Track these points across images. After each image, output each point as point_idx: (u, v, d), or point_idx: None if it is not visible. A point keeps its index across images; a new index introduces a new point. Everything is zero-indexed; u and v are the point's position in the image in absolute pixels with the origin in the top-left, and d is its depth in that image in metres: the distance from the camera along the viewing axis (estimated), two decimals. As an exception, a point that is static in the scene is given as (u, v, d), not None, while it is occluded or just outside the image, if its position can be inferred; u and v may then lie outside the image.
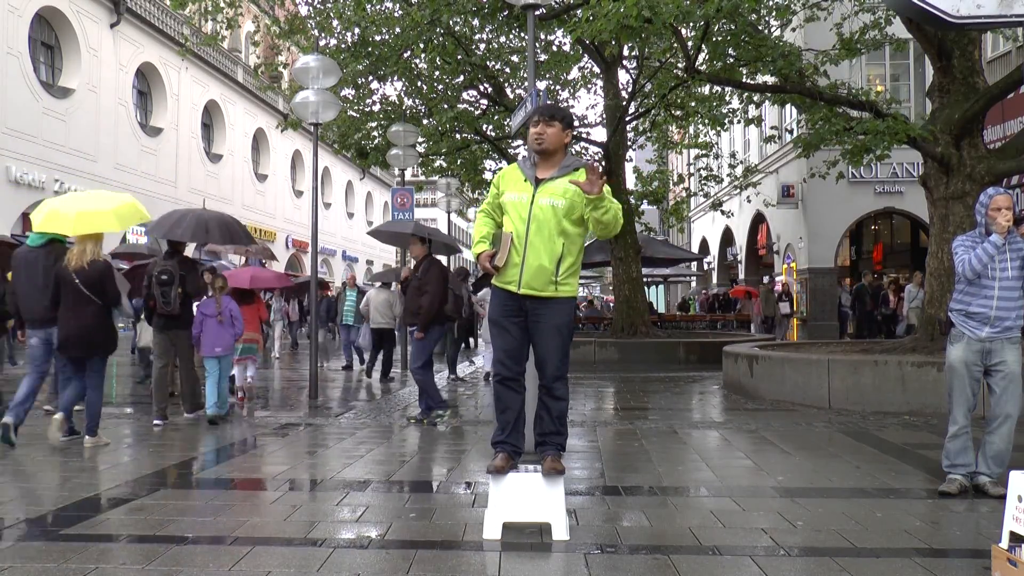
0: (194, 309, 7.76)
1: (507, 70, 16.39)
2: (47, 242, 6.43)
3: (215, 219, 8.53)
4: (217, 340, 7.71)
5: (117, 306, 6.30)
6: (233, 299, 8.21)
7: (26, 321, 6.48)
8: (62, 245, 6.47)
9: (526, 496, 3.81)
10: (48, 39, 21.97)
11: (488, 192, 4.17)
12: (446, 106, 14.48)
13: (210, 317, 7.73)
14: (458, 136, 16.40)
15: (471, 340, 19.18)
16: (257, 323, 9.51)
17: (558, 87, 18.05)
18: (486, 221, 4.09)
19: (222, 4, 13.71)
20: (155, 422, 7.24)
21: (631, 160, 27.17)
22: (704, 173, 19.32)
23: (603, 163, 16.91)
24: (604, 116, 17.75)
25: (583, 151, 18.27)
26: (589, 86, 18.87)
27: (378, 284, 13.93)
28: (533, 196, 3.85)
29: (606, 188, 3.68)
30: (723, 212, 20.57)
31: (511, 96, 16.13)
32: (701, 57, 11.32)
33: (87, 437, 6.21)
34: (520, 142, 15.78)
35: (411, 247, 7.91)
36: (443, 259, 10.84)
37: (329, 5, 14.28)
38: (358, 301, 13.23)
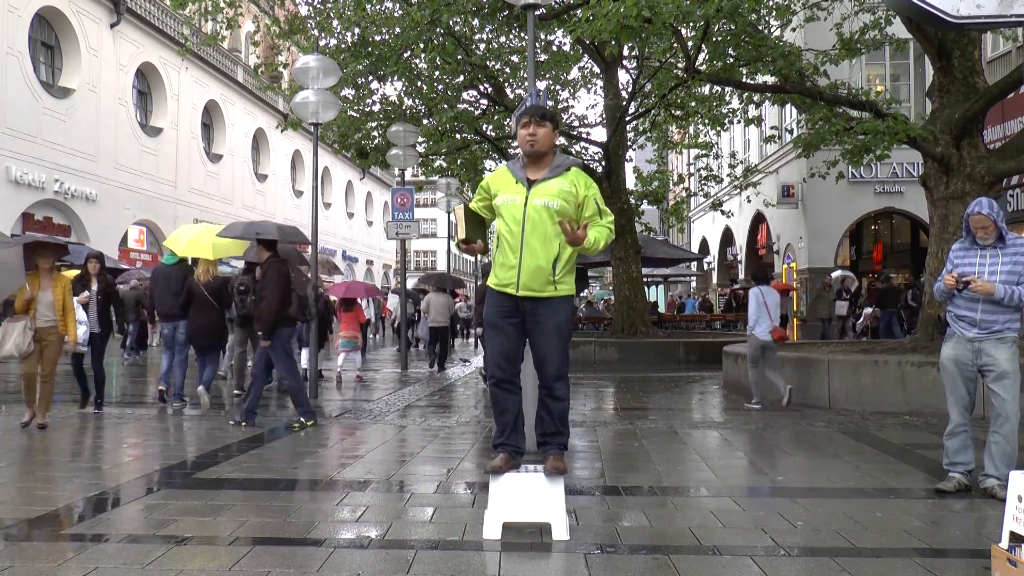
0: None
1: (507, 70, 16.38)
2: (177, 262, 8.91)
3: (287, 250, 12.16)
4: None
5: (229, 308, 8.86)
6: (342, 305, 11.90)
7: (160, 317, 8.91)
8: (187, 264, 9.00)
9: (526, 496, 3.81)
10: (48, 39, 21.97)
11: (476, 194, 4.12)
12: (446, 106, 14.47)
13: None
14: (458, 136, 16.39)
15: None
16: (356, 325, 12.31)
17: (558, 87, 18.05)
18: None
19: (222, 4, 13.71)
20: (235, 392, 9.42)
21: (631, 160, 27.18)
22: (704, 173, 19.32)
23: (603, 164, 16.92)
24: (604, 116, 17.74)
25: (583, 151, 18.28)
26: (589, 86, 18.87)
27: (431, 288, 15.71)
28: (527, 198, 3.83)
29: (606, 217, 3.90)
30: (723, 212, 20.56)
31: (511, 96, 16.12)
32: (701, 57, 11.32)
33: (201, 387, 8.49)
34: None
35: (257, 251, 7.68)
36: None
37: (329, 5, 14.27)
38: None
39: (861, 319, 19.05)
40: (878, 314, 17.55)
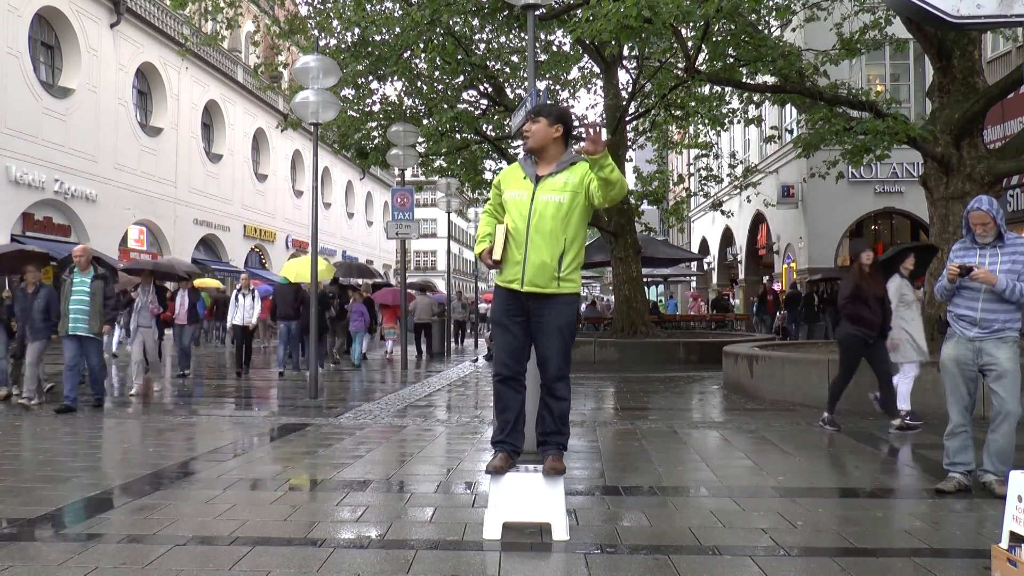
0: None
1: (507, 70, 16.38)
2: (288, 282, 13.18)
3: (355, 265, 22.57)
4: (354, 324, 14.89)
5: (328, 310, 13.24)
6: (384, 306, 16.65)
7: (279, 318, 13.01)
8: (296, 284, 12.97)
9: (526, 496, 3.81)
10: (48, 39, 21.96)
11: (490, 192, 4.21)
12: (446, 106, 14.46)
13: (352, 312, 15.00)
14: (458, 136, 16.39)
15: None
16: (395, 319, 16.52)
17: (558, 87, 18.04)
18: (489, 221, 4.12)
19: (222, 4, 13.71)
20: (330, 365, 14.21)
21: (631, 160, 27.17)
22: (704, 173, 19.33)
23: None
24: (604, 116, 17.73)
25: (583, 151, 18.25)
26: (589, 86, 18.87)
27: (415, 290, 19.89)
28: (534, 193, 3.86)
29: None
30: (723, 212, 20.56)
31: (511, 96, 16.13)
32: (701, 57, 11.32)
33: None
34: (520, 142, 15.75)
35: None
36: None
37: (329, 5, 14.27)
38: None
39: (775, 319, 22.52)
40: (785, 315, 21.20)
